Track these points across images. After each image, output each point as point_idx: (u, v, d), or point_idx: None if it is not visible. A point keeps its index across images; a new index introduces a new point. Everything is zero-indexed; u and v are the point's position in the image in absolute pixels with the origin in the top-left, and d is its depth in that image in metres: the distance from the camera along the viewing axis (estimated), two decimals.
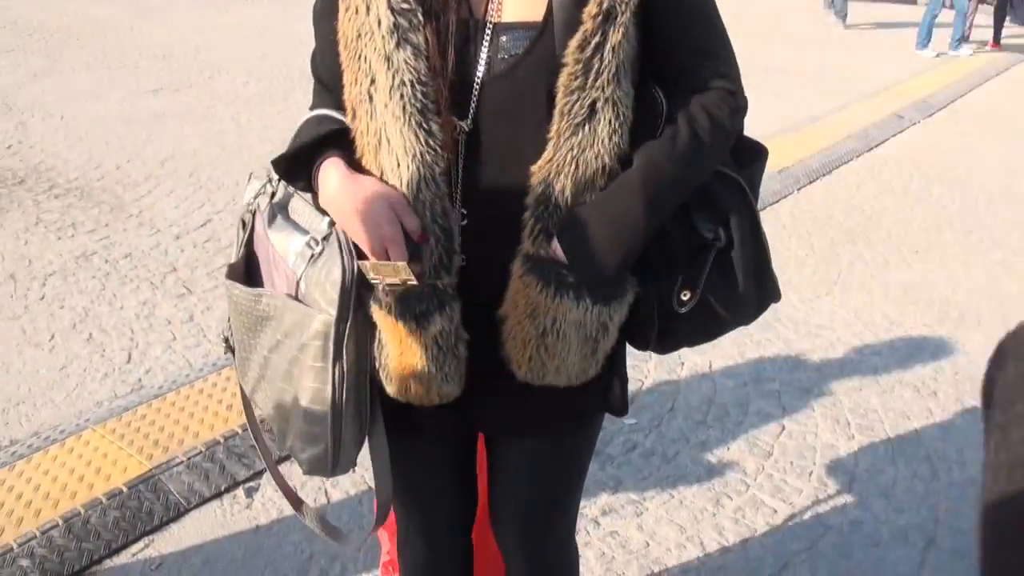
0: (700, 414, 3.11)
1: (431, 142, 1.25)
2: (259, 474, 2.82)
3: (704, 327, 1.39)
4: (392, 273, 1.26)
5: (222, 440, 2.89)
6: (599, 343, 1.35)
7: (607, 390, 1.47)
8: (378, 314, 1.34)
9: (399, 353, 1.35)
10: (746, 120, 1.34)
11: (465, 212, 1.34)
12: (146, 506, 2.65)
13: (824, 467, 2.86)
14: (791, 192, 4.87)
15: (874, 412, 3.12)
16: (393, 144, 1.26)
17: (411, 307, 1.30)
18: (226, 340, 1.49)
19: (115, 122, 5.57)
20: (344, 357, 1.32)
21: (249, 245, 1.44)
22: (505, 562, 1.79)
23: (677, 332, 1.38)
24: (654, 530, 2.62)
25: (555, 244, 1.30)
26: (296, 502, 1.67)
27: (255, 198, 1.45)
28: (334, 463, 1.39)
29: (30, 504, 2.61)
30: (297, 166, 1.34)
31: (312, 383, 1.33)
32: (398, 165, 1.26)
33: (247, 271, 1.46)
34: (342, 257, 1.30)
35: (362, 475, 2.81)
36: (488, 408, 1.46)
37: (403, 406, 1.43)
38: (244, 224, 1.46)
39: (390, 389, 1.40)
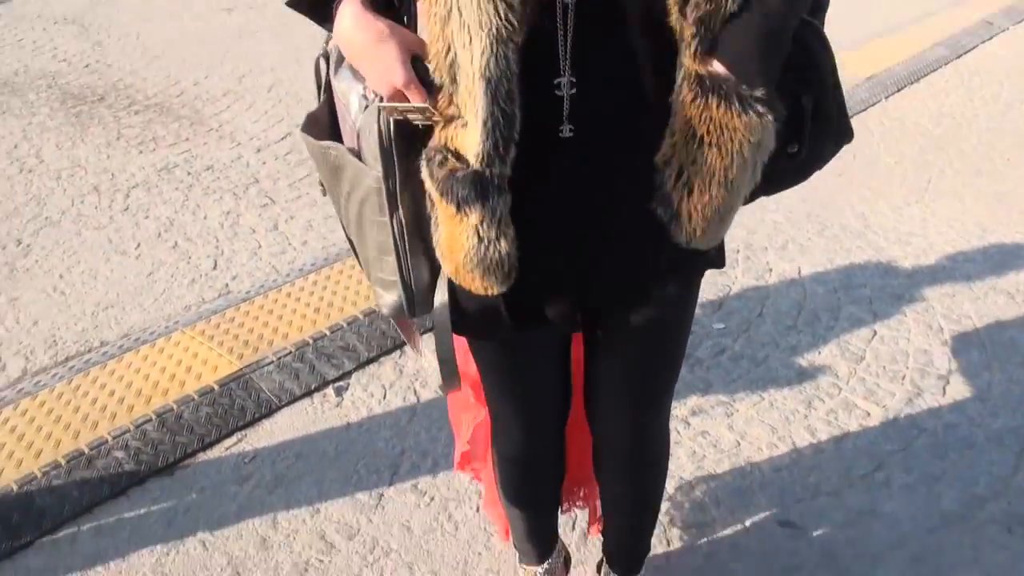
0: (790, 319, 3.06)
1: (510, 16, 1.13)
2: (348, 374, 2.84)
3: (792, 170, 1.32)
4: (412, 111, 1.22)
5: (311, 341, 2.91)
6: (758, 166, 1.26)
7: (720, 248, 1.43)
8: (428, 184, 1.26)
9: (447, 234, 1.28)
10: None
11: (574, 80, 1.24)
12: (238, 403, 2.68)
13: (917, 371, 2.80)
14: (879, 100, 4.73)
15: (968, 318, 3.04)
16: (465, 16, 1.13)
17: (453, 190, 1.21)
18: (321, 184, 1.47)
19: (191, 40, 5.57)
20: (400, 210, 1.29)
21: (328, 92, 1.40)
22: (599, 451, 1.79)
23: (774, 174, 1.31)
24: (745, 430, 2.59)
25: (715, 60, 1.19)
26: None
27: (326, 43, 1.40)
28: (410, 308, 1.39)
29: (123, 401, 2.65)
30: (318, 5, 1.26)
31: (377, 236, 1.33)
32: (469, 41, 1.14)
33: (330, 119, 1.41)
34: (378, 112, 1.23)
35: None
36: (592, 285, 1.42)
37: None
38: (318, 69, 1.40)
39: (446, 268, 1.33)
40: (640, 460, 1.80)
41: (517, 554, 1.97)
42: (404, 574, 2.21)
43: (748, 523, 2.31)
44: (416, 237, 1.33)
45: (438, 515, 2.36)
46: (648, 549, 1.96)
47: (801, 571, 2.18)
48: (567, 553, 2.07)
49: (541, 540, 1.94)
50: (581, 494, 2.03)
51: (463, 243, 1.26)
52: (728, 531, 2.28)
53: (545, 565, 1.94)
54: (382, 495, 2.42)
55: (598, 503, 2.02)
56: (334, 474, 2.48)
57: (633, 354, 1.56)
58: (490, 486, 2.01)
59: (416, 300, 1.39)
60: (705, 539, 2.26)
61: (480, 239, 1.26)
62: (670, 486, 2.38)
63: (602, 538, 1.94)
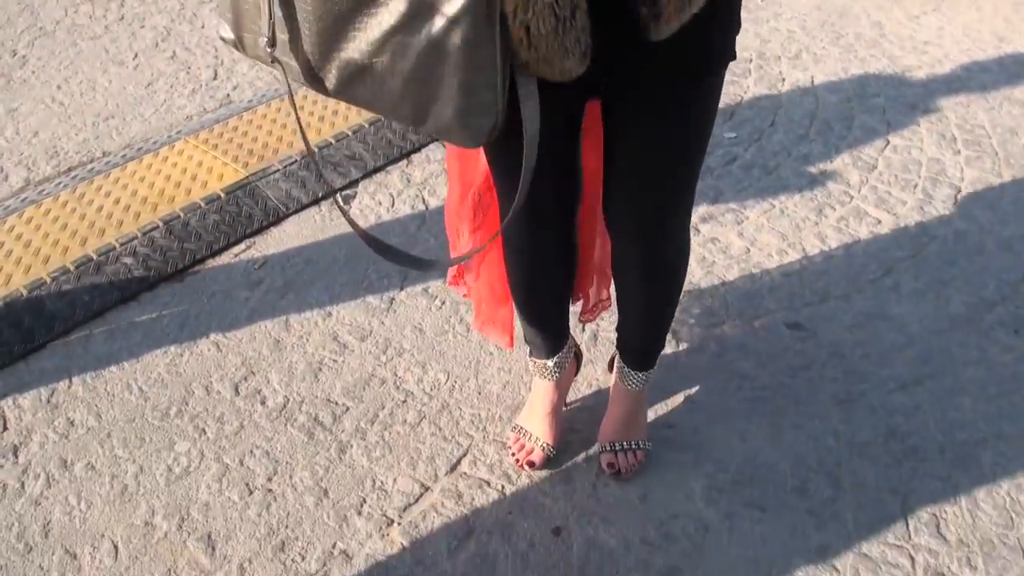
0: (802, 128, 3.01)
1: None
2: (355, 182, 2.80)
3: None
4: None
5: (317, 150, 2.86)
6: None
7: (724, 34, 1.42)
8: None
9: (520, 18, 1.21)
10: None
11: None
12: (245, 210, 2.65)
13: (929, 180, 2.77)
14: None
15: (981, 128, 2.98)
16: None
17: None
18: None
19: None
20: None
21: None
22: (617, 254, 1.77)
23: None
24: (755, 237, 2.57)
25: None
26: (375, 243, 1.57)
27: None
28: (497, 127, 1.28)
29: (128, 208, 2.63)
30: None
31: (471, 56, 1.21)
32: None
33: None
34: None
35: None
36: (609, 71, 1.38)
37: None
38: None
39: (521, 56, 1.26)
40: (659, 268, 1.80)
41: (528, 348, 1.97)
42: (417, 372, 2.22)
43: (757, 325, 2.32)
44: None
45: (449, 318, 2.36)
46: (662, 347, 1.98)
47: (809, 370, 2.20)
48: (578, 349, 2.09)
49: (551, 333, 1.91)
50: (594, 284, 2.03)
51: (538, 25, 1.21)
52: (737, 333, 2.29)
53: (556, 359, 1.94)
54: (393, 299, 2.42)
55: (602, 293, 2.02)
56: (344, 279, 2.48)
57: (651, 149, 1.55)
58: (478, 304, 2.01)
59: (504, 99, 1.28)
60: (714, 340, 2.27)
61: (557, 17, 1.21)
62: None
63: (616, 332, 1.95)
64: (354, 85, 1.31)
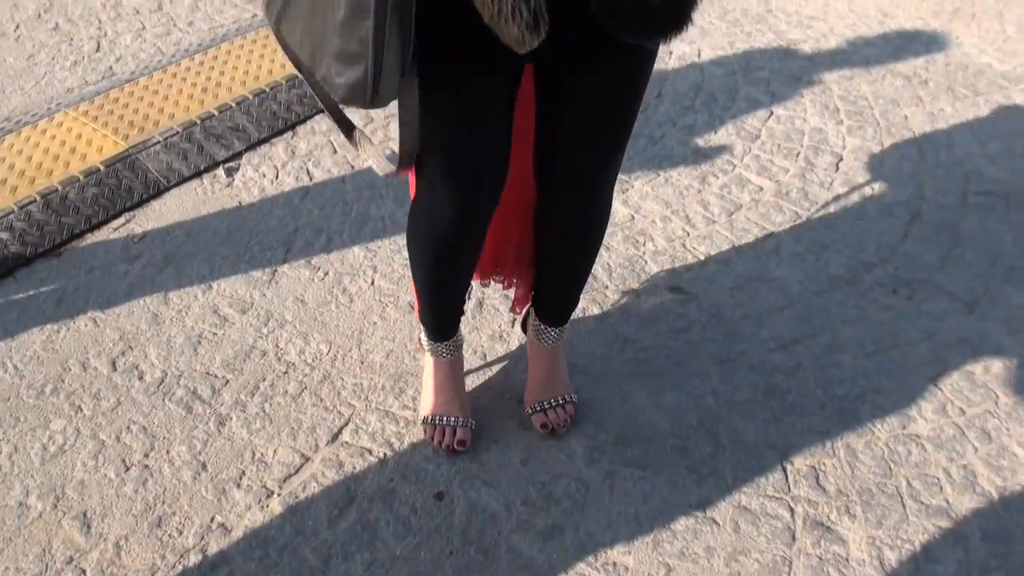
0: (687, 100, 3.01)
1: None
2: (238, 155, 2.73)
3: None
4: None
5: (199, 121, 2.78)
6: None
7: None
8: None
9: None
10: None
11: None
12: (124, 183, 2.57)
13: (811, 149, 2.80)
14: None
15: (864, 99, 3.03)
16: None
17: None
18: None
19: None
20: None
21: None
22: (545, 215, 1.77)
23: None
24: (639, 204, 2.57)
25: None
26: (348, 127, 1.54)
27: None
28: (374, 89, 1.25)
29: (5, 182, 2.53)
30: None
31: None
32: None
33: None
34: None
35: (344, 156, 2.73)
36: (557, 40, 1.34)
37: (454, 28, 1.32)
38: None
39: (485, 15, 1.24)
40: (585, 226, 1.78)
41: (422, 328, 1.94)
42: (299, 343, 2.17)
43: (639, 288, 2.32)
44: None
45: (332, 288, 2.32)
46: (577, 304, 1.94)
47: (689, 332, 2.20)
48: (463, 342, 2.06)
49: (449, 317, 1.89)
50: (499, 276, 1.99)
51: None
52: (620, 297, 2.29)
53: (449, 341, 1.92)
54: (275, 271, 2.36)
55: (522, 285, 1.99)
56: (226, 251, 2.42)
57: (591, 106, 1.54)
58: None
59: (384, 74, 1.26)
60: (597, 305, 2.27)
61: None
62: None
63: (533, 292, 1.96)
64: (287, 17, 1.33)
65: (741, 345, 2.19)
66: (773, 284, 2.35)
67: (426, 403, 1.98)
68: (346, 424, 2.00)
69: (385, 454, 1.95)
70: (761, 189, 2.65)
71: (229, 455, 1.94)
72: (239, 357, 2.14)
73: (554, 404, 1.99)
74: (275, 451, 1.95)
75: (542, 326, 1.96)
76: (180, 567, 1.75)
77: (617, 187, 2.61)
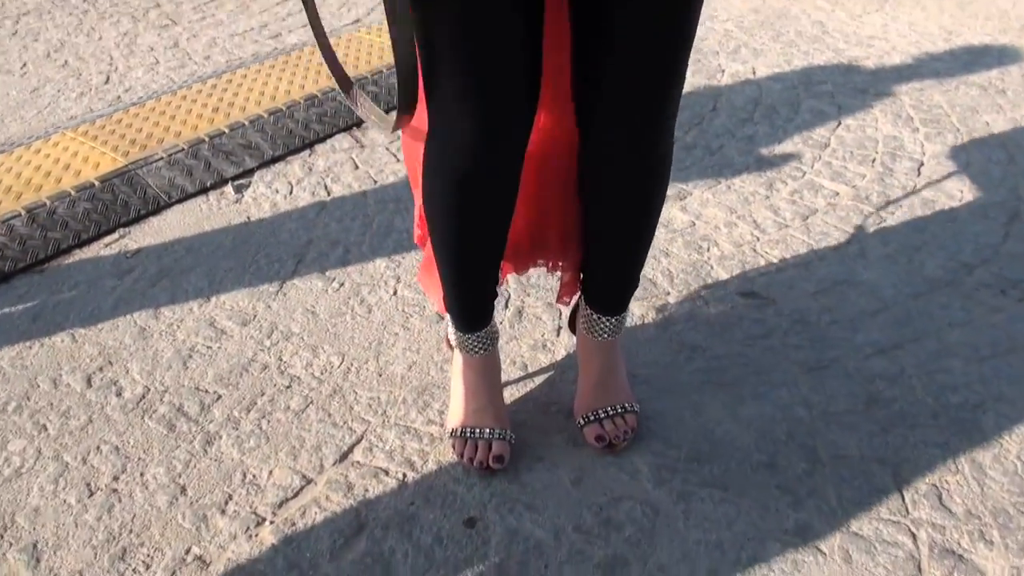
0: (745, 113, 2.64)
1: None
2: (250, 172, 2.36)
3: None
4: None
5: (207, 139, 2.44)
6: None
7: None
8: None
9: None
10: None
11: None
12: (121, 199, 2.21)
13: (888, 155, 2.39)
14: None
15: (939, 107, 2.63)
16: None
17: None
18: None
19: None
20: None
21: None
22: (592, 160, 1.41)
23: None
24: (699, 211, 2.17)
25: None
26: (346, 82, 1.35)
27: None
28: None
29: None
30: None
31: None
32: None
33: None
34: None
35: (366, 171, 2.37)
36: None
37: None
38: None
39: None
40: (641, 176, 1.41)
41: (448, 320, 1.55)
42: (306, 356, 1.76)
43: (706, 295, 1.90)
44: None
45: (348, 299, 1.92)
46: (637, 284, 1.58)
47: (769, 338, 1.77)
48: (498, 337, 1.64)
49: (480, 297, 1.53)
50: (542, 259, 1.60)
51: None
52: (683, 305, 1.90)
53: (480, 332, 1.54)
54: (284, 283, 1.97)
55: (569, 267, 1.60)
56: (229, 264, 2.05)
57: (640, 37, 1.24)
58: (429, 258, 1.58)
59: None
60: (656, 312, 1.88)
61: None
62: None
63: (582, 274, 1.60)
64: None
65: (832, 351, 1.75)
66: (863, 288, 1.92)
67: (455, 413, 1.58)
68: (358, 442, 1.58)
69: (404, 475, 1.51)
70: (837, 194, 2.24)
71: (215, 477, 1.52)
72: (235, 371, 1.73)
73: (611, 413, 1.61)
74: (270, 472, 1.52)
75: (595, 316, 1.60)
76: None
77: (674, 194, 2.23)
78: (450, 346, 1.62)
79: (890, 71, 2.94)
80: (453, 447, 1.56)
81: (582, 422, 1.60)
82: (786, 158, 2.44)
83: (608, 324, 1.58)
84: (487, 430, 1.54)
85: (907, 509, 1.47)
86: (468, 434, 1.54)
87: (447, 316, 1.59)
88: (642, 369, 1.75)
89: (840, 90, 2.82)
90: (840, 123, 2.61)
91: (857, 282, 1.97)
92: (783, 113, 2.68)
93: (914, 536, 1.42)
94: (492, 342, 1.55)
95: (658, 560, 1.39)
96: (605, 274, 1.55)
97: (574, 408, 1.62)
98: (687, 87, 2.84)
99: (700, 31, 3.20)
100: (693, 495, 1.50)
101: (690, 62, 2.83)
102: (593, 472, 1.55)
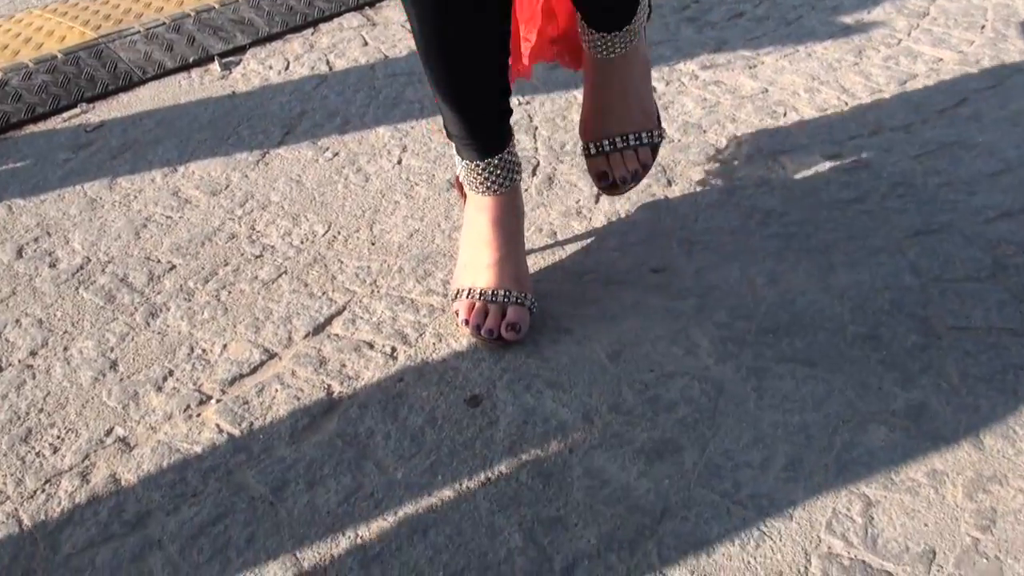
0: None
1: None
2: (241, 49, 2.06)
3: None
4: None
5: (193, 14, 2.13)
6: None
7: None
8: None
9: None
10: None
11: None
12: (86, 73, 1.92)
13: (1000, 21, 2.02)
14: None
15: None
16: None
17: None
18: None
19: None
20: None
21: None
22: None
23: None
24: (774, 78, 1.83)
25: None
26: None
27: None
28: None
29: None
30: None
31: None
32: None
33: None
34: None
35: (377, 47, 2.06)
36: None
37: None
38: None
39: None
40: None
41: (458, 151, 1.25)
42: (284, 224, 1.45)
43: (783, 159, 1.54)
44: None
45: (342, 169, 1.60)
46: (634, 10, 1.29)
47: (864, 202, 1.43)
48: (519, 172, 1.30)
49: (489, 105, 1.24)
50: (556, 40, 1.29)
51: None
52: (755, 168, 1.58)
53: (507, 151, 1.26)
54: (267, 153, 1.67)
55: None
56: (204, 136, 1.77)
57: None
58: None
59: None
60: (721, 177, 1.58)
61: None
62: (665, 125, 1.65)
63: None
64: None
65: (945, 215, 1.40)
66: (979, 149, 1.56)
67: (461, 270, 1.30)
68: (339, 313, 1.27)
69: (393, 349, 1.19)
70: (940, 60, 1.87)
71: (155, 352, 1.21)
72: (195, 241, 1.43)
73: (620, 146, 1.33)
74: (224, 347, 1.22)
75: (598, 34, 1.29)
76: (42, 496, 1.01)
77: (741, 63, 1.94)
78: (461, 192, 1.28)
79: None
80: (456, 313, 1.22)
81: (583, 152, 1.36)
82: (877, 25, 2.08)
83: (614, 41, 1.30)
84: (501, 292, 1.24)
85: None
86: (477, 296, 1.21)
87: (453, 147, 1.25)
88: (702, 235, 1.41)
89: None
90: None
91: (971, 144, 1.61)
92: None
93: None
94: (510, 176, 1.26)
95: (721, 445, 1.05)
96: None
97: (579, 132, 1.37)
98: None
99: None
100: (768, 371, 1.15)
101: None
102: (637, 346, 1.21)
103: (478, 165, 1.23)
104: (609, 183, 1.34)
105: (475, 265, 1.27)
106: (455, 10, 1.09)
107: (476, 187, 1.26)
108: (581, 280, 1.36)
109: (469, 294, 1.25)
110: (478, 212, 1.27)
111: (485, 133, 1.21)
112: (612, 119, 1.33)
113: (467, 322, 1.23)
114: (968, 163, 1.58)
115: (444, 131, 1.27)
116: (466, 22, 1.11)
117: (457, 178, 1.31)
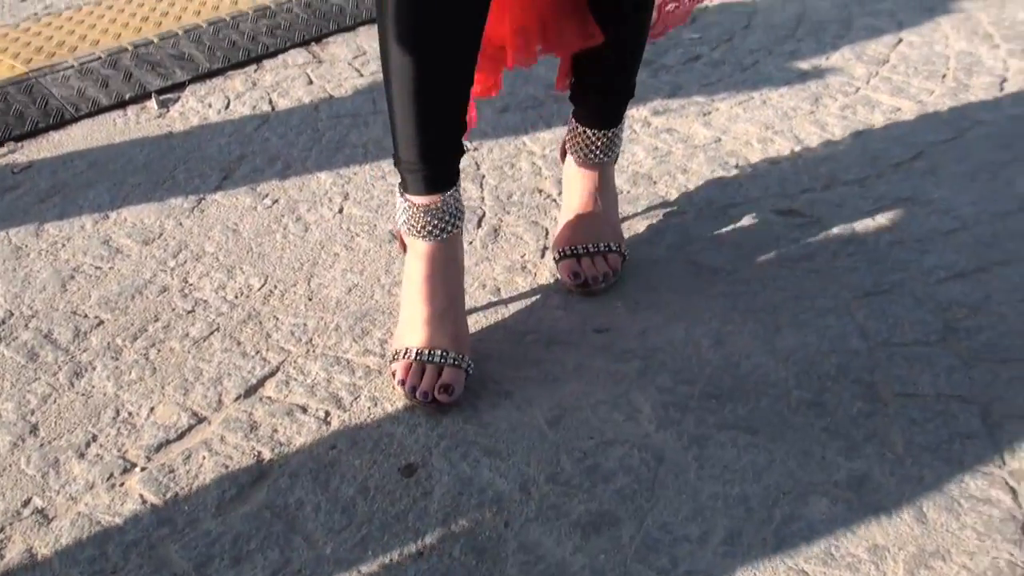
0: (785, 30, 2.35)
1: None
2: (180, 86, 2.08)
3: None
4: None
5: (130, 48, 2.15)
6: None
7: None
8: None
9: None
10: None
11: None
12: (15, 109, 1.94)
13: (962, 71, 2.10)
14: None
15: (1023, 24, 2.31)
16: None
17: None
18: None
19: None
20: None
21: None
22: None
23: None
24: (727, 127, 1.88)
25: None
26: None
27: None
28: None
29: None
30: None
31: None
32: None
33: None
34: None
35: (322, 86, 2.09)
36: None
37: None
38: None
39: None
40: None
41: (401, 179, 1.29)
42: (219, 277, 1.48)
43: (732, 213, 1.59)
44: None
45: (281, 217, 1.63)
46: (632, 93, 1.51)
47: (813, 260, 1.48)
48: (462, 219, 1.36)
49: (453, 134, 1.27)
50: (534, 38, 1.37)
51: None
52: (704, 223, 1.61)
53: (444, 194, 1.29)
54: (203, 199, 1.69)
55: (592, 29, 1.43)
56: (138, 180, 1.79)
57: None
58: None
59: None
60: (671, 232, 1.64)
61: None
62: (619, 180, 1.68)
63: (572, 78, 1.50)
64: None
65: (896, 275, 1.45)
66: (933, 206, 1.62)
67: (399, 329, 1.35)
68: (272, 374, 1.29)
69: (327, 413, 1.21)
70: (899, 109, 1.94)
71: (79, 415, 1.23)
72: (125, 294, 1.44)
73: (592, 251, 1.48)
74: (152, 410, 1.23)
75: (585, 131, 1.50)
76: None
77: (695, 110, 1.98)
78: (402, 245, 1.31)
79: None
80: (392, 374, 1.24)
81: (557, 256, 1.50)
82: (835, 72, 2.14)
83: (599, 142, 1.50)
84: (438, 352, 1.26)
85: (1003, 459, 1.15)
86: (413, 356, 1.23)
87: (397, 192, 1.31)
88: (648, 293, 1.44)
89: (902, 7, 2.53)
90: (901, 40, 2.32)
91: (926, 200, 1.66)
92: (832, 30, 2.39)
93: (1014, 491, 1.10)
94: (452, 221, 1.30)
95: (659, 517, 1.08)
96: (600, 77, 1.47)
97: (551, 243, 1.53)
98: (715, 5, 2.55)
99: None
100: (710, 439, 1.19)
101: None
102: (578, 411, 1.24)
103: (421, 206, 1.26)
104: (582, 282, 1.45)
105: (412, 322, 1.30)
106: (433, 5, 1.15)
107: (417, 230, 1.29)
108: (523, 340, 1.39)
109: (406, 354, 1.29)
110: (417, 260, 1.31)
111: (437, 159, 1.25)
112: (589, 228, 1.50)
113: (403, 383, 1.24)
114: (922, 220, 1.63)
115: (393, 158, 1.28)
116: (444, 16, 1.17)
117: (398, 231, 1.33)
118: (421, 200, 1.27)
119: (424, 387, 1.25)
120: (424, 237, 1.28)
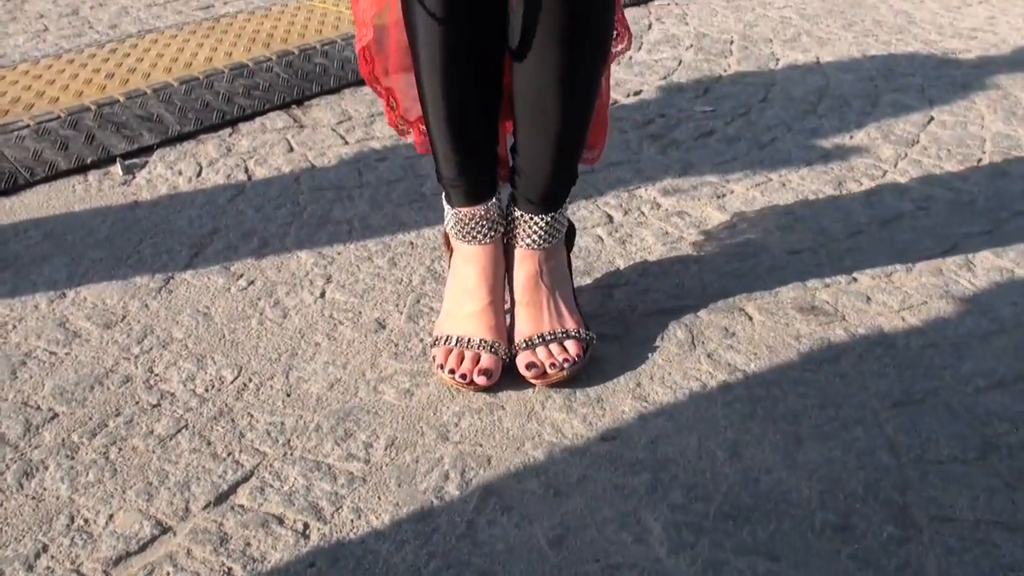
0: (807, 104, 2.41)
1: None
2: (147, 149, 2.12)
3: None
4: None
5: (94, 107, 2.19)
6: None
7: None
8: None
9: None
10: None
11: None
12: None
13: (999, 155, 2.15)
14: None
15: None
16: None
17: None
18: None
19: None
20: None
21: None
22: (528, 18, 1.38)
23: None
24: (742, 210, 1.92)
25: None
26: None
27: None
28: None
29: None
30: None
31: None
32: None
33: None
34: None
35: (303, 153, 2.13)
36: None
37: None
38: None
39: None
40: (583, 30, 1.40)
41: (444, 193, 1.57)
42: (188, 368, 1.49)
43: (750, 309, 1.62)
44: None
45: (258, 300, 1.65)
46: (573, 177, 1.57)
47: (838, 363, 1.51)
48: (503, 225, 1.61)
49: (488, 152, 1.54)
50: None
51: None
52: (718, 318, 1.66)
53: (483, 205, 1.55)
54: (171, 278, 1.71)
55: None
56: (100, 254, 1.81)
57: None
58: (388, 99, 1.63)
59: None
60: (682, 328, 1.68)
61: None
62: (621, 262, 1.72)
63: (512, 162, 1.57)
64: None
65: (929, 382, 1.48)
66: (969, 306, 1.66)
67: (444, 318, 1.59)
68: (245, 479, 1.30)
69: (306, 526, 1.23)
70: (930, 197, 1.99)
71: (27, 521, 1.24)
72: (83, 385, 1.46)
73: (549, 338, 1.54)
74: (111, 517, 1.25)
75: (527, 216, 1.55)
76: None
77: (709, 191, 2.02)
78: (448, 244, 1.62)
79: (999, 64, 2.72)
80: (433, 358, 1.55)
81: (515, 351, 1.55)
82: (860, 153, 2.19)
83: (537, 226, 1.55)
84: (477, 340, 1.52)
85: None
86: (454, 343, 1.53)
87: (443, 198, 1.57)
88: (657, 395, 1.46)
89: (932, 84, 2.58)
90: (933, 119, 2.37)
91: (961, 298, 1.69)
92: (856, 106, 2.44)
93: None
94: (495, 227, 1.56)
95: None
96: (536, 162, 1.51)
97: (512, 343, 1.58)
98: (731, 72, 2.61)
99: (749, 17, 2.99)
100: (726, 565, 1.20)
101: (736, 50, 2.64)
102: (582, 530, 1.25)
103: (466, 215, 1.52)
104: (540, 372, 1.51)
105: (456, 314, 1.55)
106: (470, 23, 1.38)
107: (463, 236, 1.54)
108: (523, 446, 1.41)
109: (447, 340, 1.52)
110: (464, 263, 1.56)
111: (474, 174, 1.52)
112: (540, 317, 1.58)
113: (442, 367, 1.49)
114: (956, 321, 1.66)
115: (436, 173, 1.55)
116: (488, 60, 1.43)
117: (444, 231, 1.58)
118: (465, 209, 1.52)
119: (463, 369, 1.49)
120: (469, 241, 1.55)
